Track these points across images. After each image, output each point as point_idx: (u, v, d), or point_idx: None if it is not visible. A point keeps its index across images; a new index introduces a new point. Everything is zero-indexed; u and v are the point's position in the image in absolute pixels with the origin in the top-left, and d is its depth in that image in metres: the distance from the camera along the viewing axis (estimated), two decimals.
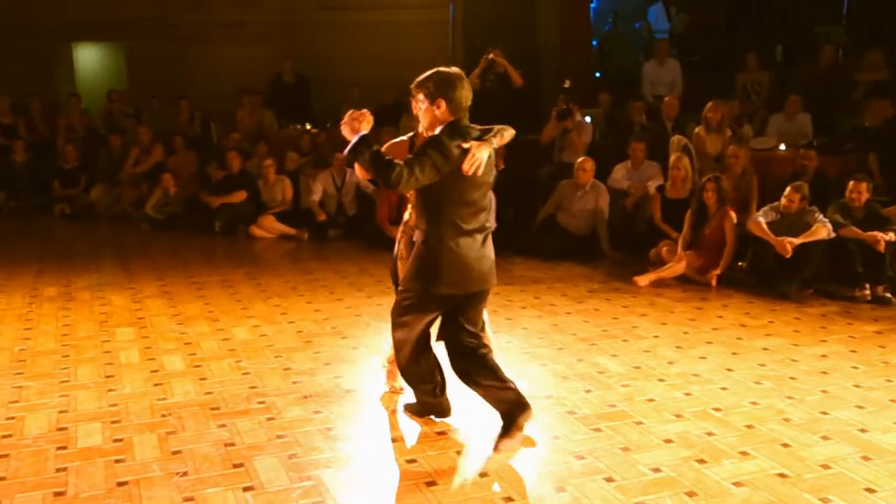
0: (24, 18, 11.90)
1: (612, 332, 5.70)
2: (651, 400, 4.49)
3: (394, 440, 3.97)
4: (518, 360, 5.12)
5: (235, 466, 3.66)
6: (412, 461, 3.74)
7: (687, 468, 3.69)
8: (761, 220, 6.79)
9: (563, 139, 8.92)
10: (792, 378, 4.84)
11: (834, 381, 4.80)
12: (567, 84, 9.72)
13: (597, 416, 4.26)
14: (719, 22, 11.86)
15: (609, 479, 3.58)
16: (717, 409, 4.36)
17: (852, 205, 6.80)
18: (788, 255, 6.49)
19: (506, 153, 8.92)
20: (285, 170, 9.89)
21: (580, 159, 8.24)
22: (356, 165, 3.73)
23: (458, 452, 3.84)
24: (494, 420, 3.86)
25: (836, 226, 6.64)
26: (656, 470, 3.67)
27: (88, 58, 13.96)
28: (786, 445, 3.92)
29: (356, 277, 7.27)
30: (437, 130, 3.65)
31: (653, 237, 7.74)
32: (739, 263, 7.22)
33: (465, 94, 3.65)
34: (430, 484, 3.52)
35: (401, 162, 3.49)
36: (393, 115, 10.27)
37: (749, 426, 4.15)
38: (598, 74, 11.95)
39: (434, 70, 3.70)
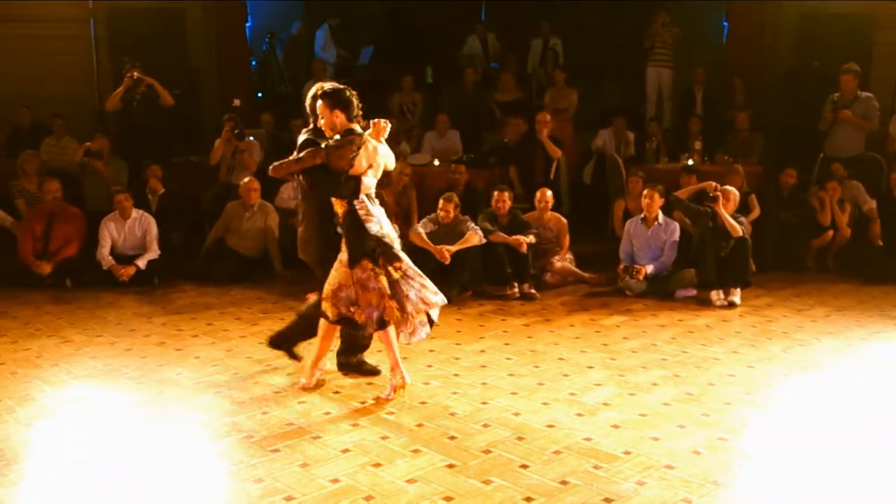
0: None
1: None
2: (327, 413, 4.54)
3: None
4: (190, 391, 4.89)
5: None
6: None
7: (364, 474, 3.78)
8: (421, 230, 7.23)
9: (234, 159, 8.77)
10: (456, 375, 5.19)
11: (491, 373, 5.24)
12: (236, 103, 9.55)
13: (274, 436, 4.21)
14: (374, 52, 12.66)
15: (289, 498, 3.55)
16: (391, 413, 4.53)
17: (498, 213, 7.51)
18: (447, 262, 6.97)
19: (165, 176, 8.55)
20: None
21: (246, 179, 8.13)
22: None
23: None
24: None
25: (486, 232, 7.29)
26: (335, 480, 3.71)
27: None
28: (452, 438, 4.19)
29: None
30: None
31: None
32: None
33: None
34: None
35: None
36: (31, 138, 9.19)
37: (419, 425, 4.37)
38: (259, 95, 11.90)
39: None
